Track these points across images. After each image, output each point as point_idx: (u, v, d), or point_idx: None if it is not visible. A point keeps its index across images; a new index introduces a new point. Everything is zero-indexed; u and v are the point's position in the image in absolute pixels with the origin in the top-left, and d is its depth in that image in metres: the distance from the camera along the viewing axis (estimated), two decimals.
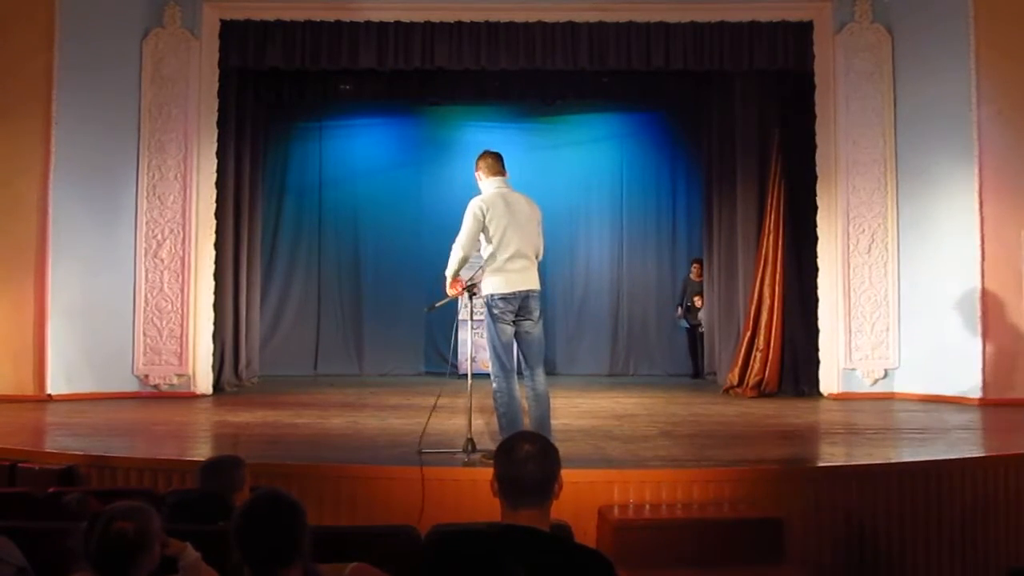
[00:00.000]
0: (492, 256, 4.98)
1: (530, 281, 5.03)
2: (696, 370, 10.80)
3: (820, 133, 8.55)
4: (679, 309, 10.93)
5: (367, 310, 11.46)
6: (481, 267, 5.06)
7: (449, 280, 5.08)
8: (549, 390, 5.13)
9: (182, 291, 8.38)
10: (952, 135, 7.96)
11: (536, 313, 5.06)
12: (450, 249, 5.05)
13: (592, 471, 4.64)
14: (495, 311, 4.97)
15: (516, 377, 5.00)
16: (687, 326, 10.93)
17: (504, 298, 4.96)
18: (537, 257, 5.16)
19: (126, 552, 2.37)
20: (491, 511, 2.26)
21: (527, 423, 5.03)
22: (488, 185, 5.14)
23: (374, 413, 7.29)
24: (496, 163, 5.18)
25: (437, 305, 5.31)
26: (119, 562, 2.37)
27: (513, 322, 5.01)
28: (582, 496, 4.33)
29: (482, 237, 5.02)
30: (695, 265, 10.88)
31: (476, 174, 5.24)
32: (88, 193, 8.10)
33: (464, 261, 5.04)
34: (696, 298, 10.73)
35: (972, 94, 7.79)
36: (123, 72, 8.31)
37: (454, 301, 5.28)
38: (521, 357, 5.13)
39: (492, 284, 4.99)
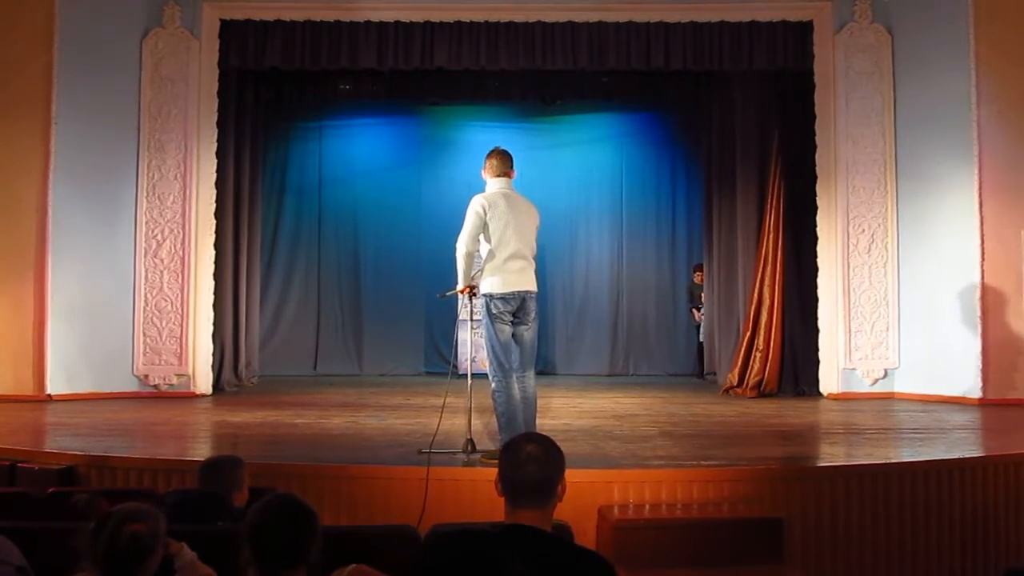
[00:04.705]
0: (491, 254, 5.00)
1: (528, 282, 5.04)
2: (701, 369, 10.81)
3: (820, 133, 8.55)
4: (696, 313, 10.88)
5: (367, 310, 11.46)
6: (480, 268, 5.07)
7: (462, 286, 5.08)
8: (537, 392, 5.16)
9: (182, 291, 8.38)
10: (952, 135, 7.97)
11: (532, 315, 5.07)
12: (453, 248, 5.05)
13: (592, 471, 4.64)
14: (493, 311, 4.98)
15: (515, 376, 5.00)
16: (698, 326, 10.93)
17: (503, 298, 4.97)
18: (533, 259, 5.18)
19: (135, 554, 2.38)
20: (491, 511, 2.26)
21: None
22: (490, 185, 5.16)
23: (374, 413, 7.29)
24: (502, 164, 5.17)
25: (448, 294, 5.33)
26: (127, 564, 2.38)
27: (511, 323, 5.02)
28: (582, 496, 4.33)
29: (482, 236, 5.03)
30: (697, 272, 10.90)
31: (483, 172, 5.24)
32: (88, 193, 8.09)
33: (470, 257, 5.03)
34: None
35: (972, 94, 7.79)
36: (123, 72, 8.31)
37: (457, 297, 5.29)
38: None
39: (490, 283, 5.00)
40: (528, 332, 5.07)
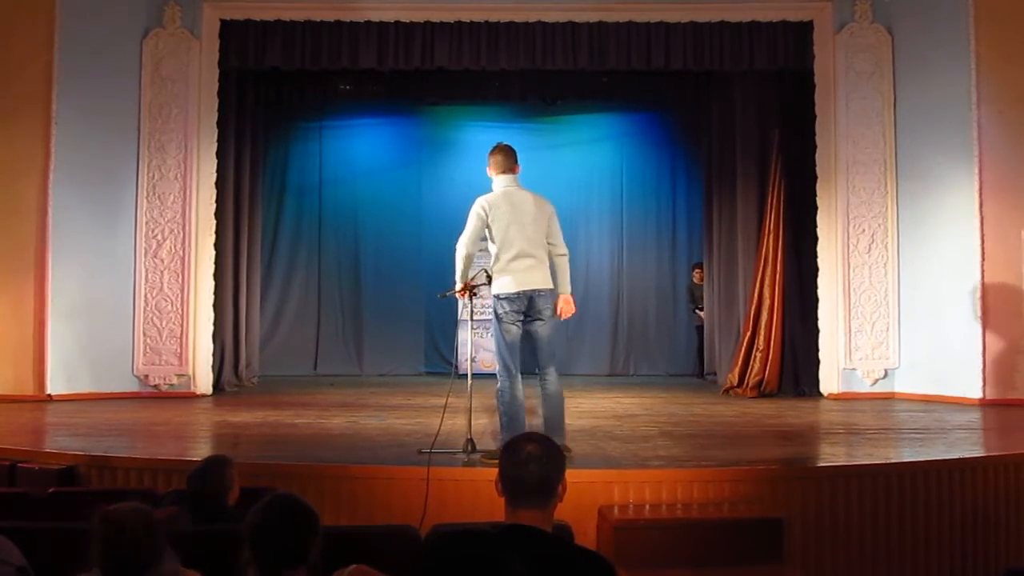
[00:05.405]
0: (496, 257, 4.98)
1: (535, 280, 4.97)
2: (701, 370, 10.80)
3: (820, 133, 8.55)
4: (698, 314, 10.88)
5: (367, 310, 11.46)
6: (482, 268, 5.06)
7: (459, 286, 5.07)
8: (562, 389, 5.10)
9: (182, 291, 8.38)
10: (952, 135, 7.96)
11: (547, 312, 5.01)
12: (454, 248, 5.04)
13: (592, 471, 4.64)
14: (500, 312, 4.96)
15: (520, 377, 4.99)
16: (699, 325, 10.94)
17: (509, 299, 4.93)
18: (561, 254, 5.09)
19: (137, 554, 2.38)
20: (491, 511, 2.27)
21: (536, 423, 5.02)
22: (496, 184, 5.12)
23: (374, 413, 7.29)
24: (505, 160, 5.11)
25: (448, 294, 5.33)
26: (129, 564, 2.38)
27: (522, 322, 4.99)
28: (582, 496, 4.33)
29: (487, 236, 5.01)
30: (697, 270, 10.91)
31: (488, 170, 5.20)
32: (88, 193, 8.09)
33: (469, 259, 5.01)
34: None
35: (972, 94, 7.79)
36: (123, 72, 8.30)
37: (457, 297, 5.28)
38: (533, 357, 5.09)
39: (498, 285, 4.98)
40: (544, 329, 5.01)
